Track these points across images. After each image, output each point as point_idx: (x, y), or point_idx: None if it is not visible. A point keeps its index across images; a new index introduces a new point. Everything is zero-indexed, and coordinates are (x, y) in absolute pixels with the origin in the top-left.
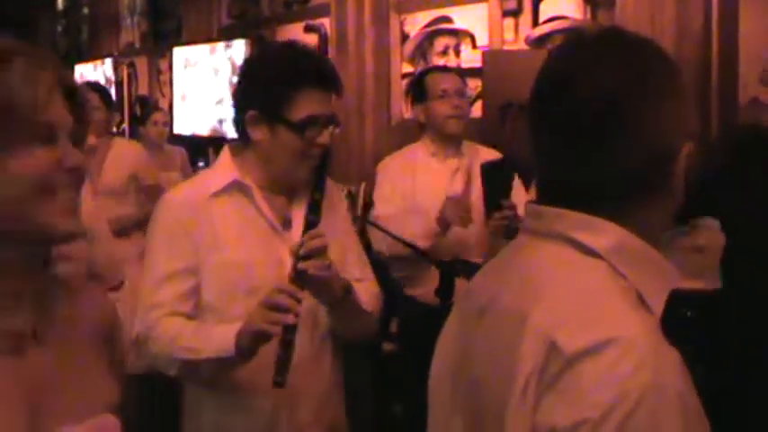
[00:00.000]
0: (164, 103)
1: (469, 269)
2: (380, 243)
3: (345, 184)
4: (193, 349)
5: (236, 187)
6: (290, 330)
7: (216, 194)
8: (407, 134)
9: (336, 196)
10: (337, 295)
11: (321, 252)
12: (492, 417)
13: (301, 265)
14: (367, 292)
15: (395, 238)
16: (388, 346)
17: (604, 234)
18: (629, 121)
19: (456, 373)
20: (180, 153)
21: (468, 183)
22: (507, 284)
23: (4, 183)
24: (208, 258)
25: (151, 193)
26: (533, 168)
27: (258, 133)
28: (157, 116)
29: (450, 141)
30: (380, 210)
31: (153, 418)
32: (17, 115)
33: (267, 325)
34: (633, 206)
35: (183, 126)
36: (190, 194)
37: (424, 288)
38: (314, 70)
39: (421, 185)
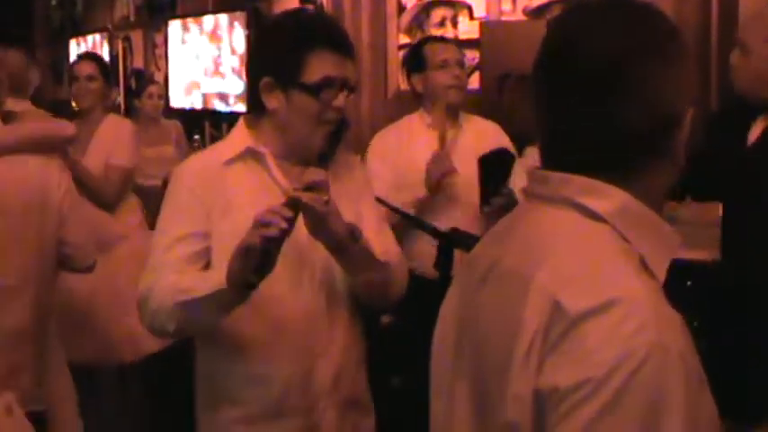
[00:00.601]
0: (159, 77)
1: (468, 240)
2: None
3: None
4: (189, 289)
5: (249, 154)
6: (270, 240)
7: (229, 162)
8: (404, 106)
9: (353, 162)
10: (339, 234)
11: (320, 187)
12: (495, 378)
13: (295, 193)
14: (383, 246)
15: (389, 207)
16: (385, 319)
17: (609, 198)
18: (633, 84)
19: (458, 341)
20: (175, 126)
21: (442, 139)
22: (510, 248)
23: None
24: (220, 224)
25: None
26: (532, 137)
27: (273, 100)
28: (152, 89)
29: (447, 112)
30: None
31: (166, 398)
32: None
33: (249, 238)
34: (637, 171)
35: (178, 99)
36: (202, 163)
37: (422, 261)
38: (326, 32)
39: (417, 156)
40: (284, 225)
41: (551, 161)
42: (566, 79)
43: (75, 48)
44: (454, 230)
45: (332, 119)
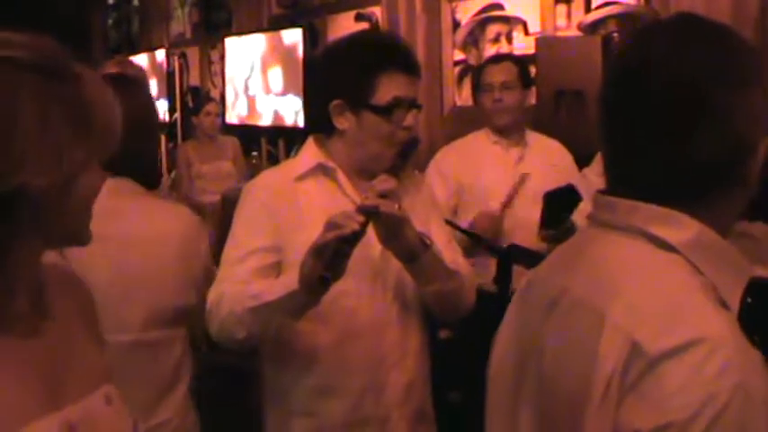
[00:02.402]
0: (215, 94)
1: (527, 256)
2: None
3: None
4: (260, 294)
5: (320, 170)
6: (343, 241)
7: (300, 177)
8: (461, 122)
9: (419, 180)
10: (411, 242)
11: (391, 194)
12: (568, 412)
13: (366, 200)
14: (453, 257)
15: (450, 224)
16: (444, 334)
17: (682, 228)
18: (713, 110)
19: (521, 365)
20: (232, 143)
21: (514, 191)
22: (579, 277)
23: (69, 206)
24: (292, 238)
25: None
26: (588, 155)
27: (344, 122)
28: (210, 107)
29: (506, 131)
30: None
31: (231, 411)
32: (94, 130)
33: (322, 238)
34: (710, 199)
35: (235, 116)
36: (273, 178)
37: (481, 276)
38: (395, 53)
39: (482, 172)
40: (356, 226)
41: (618, 186)
42: (640, 103)
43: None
44: (513, 246)
45: (402, 138)
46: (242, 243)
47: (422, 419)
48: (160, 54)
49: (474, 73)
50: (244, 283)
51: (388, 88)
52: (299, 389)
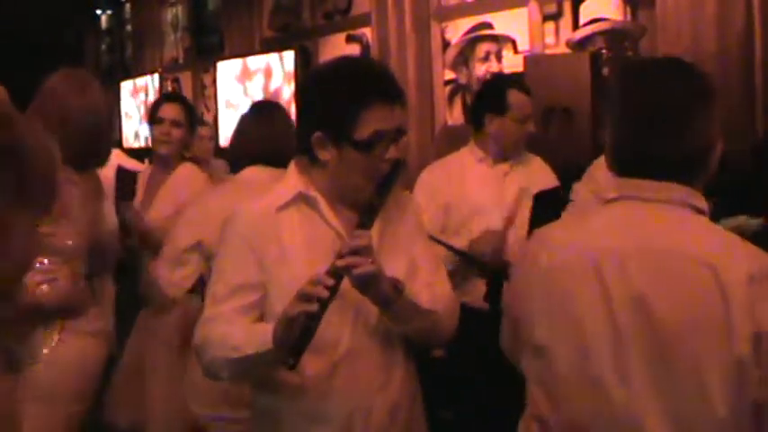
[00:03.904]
0: (209, 117)
1: None
2: None
3: None
4: (238, 347)
5: (302, 200)
6: (311, 317)
7: (282, 208)
8: (452, 141)
9: (405, 202)
10: (385, 293)
11: (364, 250)
12: (689, 348)
13: (338, 263)
14: (433, 292)
15: (438, 241)
16: (437, 353)
17: (702, 200)
18: (697, 121)
19: (612, 317)
20: (224, 166)
21: (513, 214)
22: (651, 237)
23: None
24: (276, 273)
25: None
26: (576, 171)
27: (325, 154)
28: (203, 131)
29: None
30: None
31: None
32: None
33: (292, 310)
34: (695, 181)
35: (228, 140)
36: (255, 209)
37: (473, 295)
38: (376, 86)
39: (468, 190)
40: (325, 295)
41: (634, 172)
42: (650, 114)
43: (127, 90)
44: (504, 264)
45: (385, 170)
46: (226, 280)
47: None
48: (141, 81)
49: (496, 91)
50: (228, 323)
51: (369, 123)
52: (289, 414)
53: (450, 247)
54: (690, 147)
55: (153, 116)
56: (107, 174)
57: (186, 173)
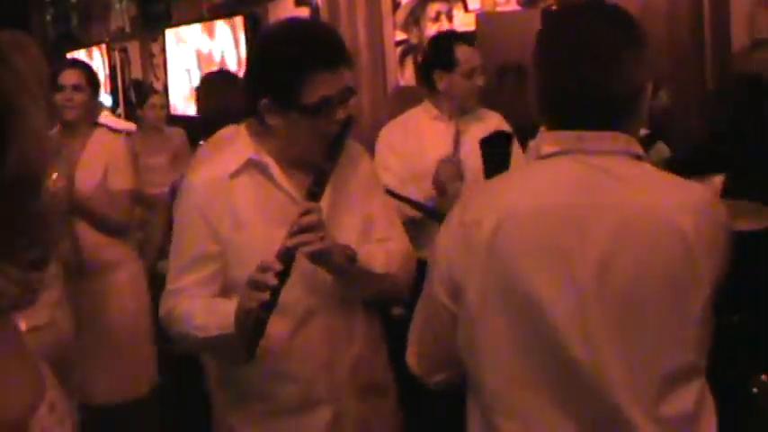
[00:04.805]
0: (158, 86)
1: None
2: None
3: None
4: (203, 327)
5: (253, 165)
6: (264, 307)
7: (234, 175)
8: (405, 101)
9: (359, 158)
10: (339, 265)
11: (314, 227)
12: (662, 295)
13: (288, 242)
14: (387, 251)
15: (406, 200)
16: (396, 311)
17: (639, 146)
18: (625, 64)
19: (578, 273)
20: (179, 134)
21: (456, 141)
22: (601, 190)
23: None
24: (232, 239)
25: (115, 200)
26: (531, 130)
27: (273, 119)
28: (154, 99)
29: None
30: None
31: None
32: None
33: (246, 302)
34: (629, 129)
35: (179, 107)
36: (207, 178)
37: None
38: (319, 50)
39: (426, 147)
40: (275, 282)
41: (564, 121)
42: (577, 56)
43: None
44: None
45: (334, 131)
46: (184, 251)
47: (371, 391)
48: (100, 49)
49: (444, 48)
50: (189, 296)
51: (315, 88)
52: (253, 374)
53: (416, 204)
54: (619, 89)
55: (54, 84)
56: None
57: (104, 138)
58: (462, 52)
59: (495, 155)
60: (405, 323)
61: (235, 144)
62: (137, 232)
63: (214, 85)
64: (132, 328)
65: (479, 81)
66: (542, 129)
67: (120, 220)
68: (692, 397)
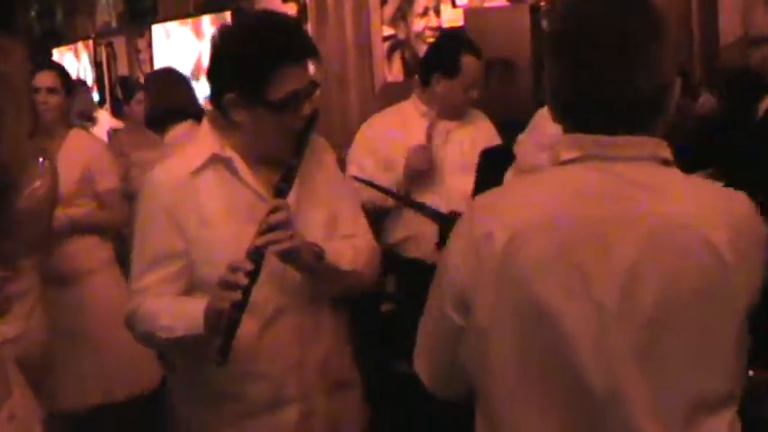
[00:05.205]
0: None
1: None
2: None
3: None
4: (169, 327)
5: (217, 161)
6: (236, 308)
7: (197, 171)
8: (392, 98)
9: (323, 152)
10: (307, 263)
11: (283, 225)
12: (694, 303)
13: (257, 241)
14: (354, 247)
15: (384, 191)
16: (385, 307)
17: (668, 149)
18: (664, 42)
19: (599, 291)
20: None
21: (429, 133)
22: (627, 200)
23: None
24: (197, 236)
25: (107, 200)
26: (517, 123)
27: (238, 114)
28: (141, 95)
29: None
30: (350, 170)
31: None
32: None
33: (217, 302)
34: (655, 129)
35: None
36: (171, 174)
37: (421, 244)
38: (287, 46)
39: (410, 143)
40: (245, 282)
41: (587, 123)
42: (599, 52)
43: (59, 57)
44: (455, 213)
45: (300, 126)
46: (146, 250)
47: (341, 387)
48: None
49: (450, 54)
50: (154, 294)
51: (281, 84)
52: (222, 375)
53: (395, 196)
54: (645, 87)
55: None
56: (100, 135)
57: (80, 138)
58: (467, 63)
59: (493, 170)
60: (393, 319)
61: (198, 139)
62: (123, 229)
63: (158, 83)
64: (115, 330)
65: (475, 94)
66: (537, 119)
67: (119, 220)
68: (723, 428)
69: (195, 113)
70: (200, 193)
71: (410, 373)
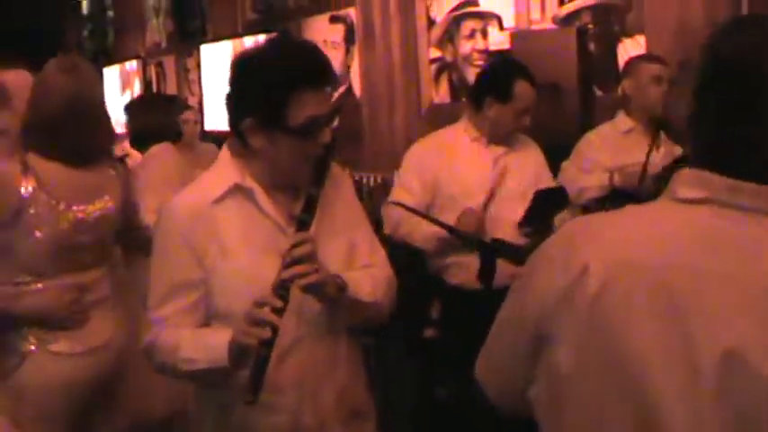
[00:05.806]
0: (193, 102)
1: (510, 250)
2: (395, 225)
3: (377, 173)
4: (191, 360)
5: (238, 191)
6: (264, 345)
7: (217, 201)
8: (439, 120)
9: (341, 181)
10: (330, 296)
11: (308, 258)
12: None
13: (284, 274)
14: (373, 278)
15: (430, 219)
16: (429, 332)
17: None
18: None
19: (699, 363)
20: (212, 150)
21: (497, 182)
22: (749, 260)
23: None
24: (216, 267)
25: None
26: (563, 148)
27: (257, 141)
28: (188, 115)
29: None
30: (397, 193)
31: None
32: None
33: (245, 338)
34: None
35: (213, 123)
36: (191, 203)
37: (461, 271)
38: (306, 71)
39: (459, 168)
40: (275, 319)
41: (727, 165)
42: (755, 91)
43: (110, 76)
44: (497, 241)
45: (319, 154)
46: (165, 279)
47: (356, 417)
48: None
49: (504, 79)
50: (172, 325)
51: (301, 108)
52: (239, 408)
53: (443, 225)
54: None
55: None
56: None
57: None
58: (521, 88)
59: (545, 211)
60: (436, 345)
61: (218, 168)
62: None
63: (137, 107)
64: None
65: (527, 120)
66: (580, 146)
67: None
68: None
69: (172, 134)
70: (219, 222)
71: (451, 398)
